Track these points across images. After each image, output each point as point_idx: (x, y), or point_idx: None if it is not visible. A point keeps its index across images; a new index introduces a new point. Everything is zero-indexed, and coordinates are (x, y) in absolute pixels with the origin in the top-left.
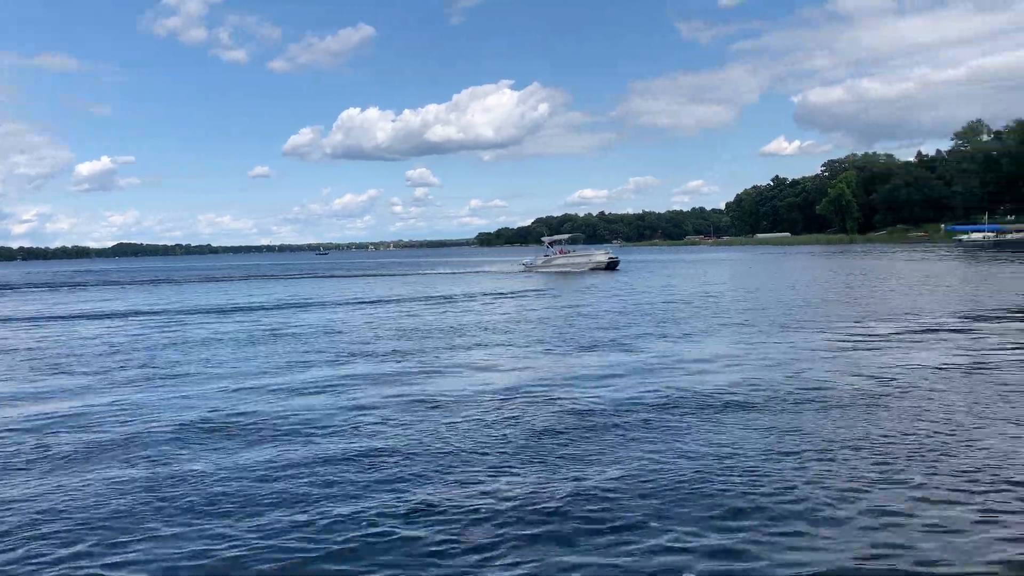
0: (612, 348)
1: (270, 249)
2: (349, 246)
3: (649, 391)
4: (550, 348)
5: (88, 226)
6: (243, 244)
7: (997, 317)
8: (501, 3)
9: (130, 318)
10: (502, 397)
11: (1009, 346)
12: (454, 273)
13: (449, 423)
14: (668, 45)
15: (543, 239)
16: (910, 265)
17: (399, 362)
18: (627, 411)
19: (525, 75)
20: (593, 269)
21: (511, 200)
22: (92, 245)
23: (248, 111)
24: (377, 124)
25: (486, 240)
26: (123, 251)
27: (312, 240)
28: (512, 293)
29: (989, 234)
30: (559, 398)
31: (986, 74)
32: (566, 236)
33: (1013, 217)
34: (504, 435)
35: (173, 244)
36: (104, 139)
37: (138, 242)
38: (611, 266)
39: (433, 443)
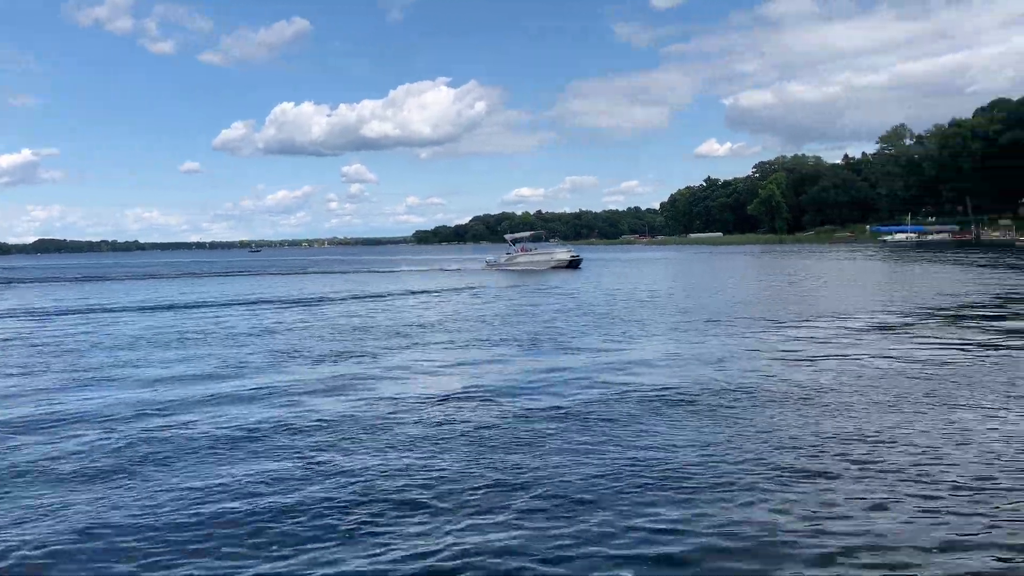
0: (554, 347)
1: (200, 246)
2: (283, 243)
3: (589, 389)
4: (497, 347)
5: (7, 221)
6: (172, 241)
7: (920, 316)
8: (439, 1)
9: (53, 317)
10: (441, 399)
11: (933, 344)
12: (420, 271)
13: (388, 426)
14: (604, 46)
15: (506, 236)
16: (838, 265)
17: (335, 363)
18: (566, 410)
19: (463, 73)
20: (555, 267)
21: (448, 198)
22: (12, 241)
23: (178, 104)
24: (312, 119)
25: (423, 238)
26: (45, 247)
27: (245, 237)
28: (468, 290)
29: (912, 235)
30: (499, 399)
31: (907, 80)
32: (528, 234)
33: (934, 219)
34: (442, 436)
35: (99, 240)
36: (25, 131)
37: (61, 238)
38: (573, 264)
39: (371, 447)
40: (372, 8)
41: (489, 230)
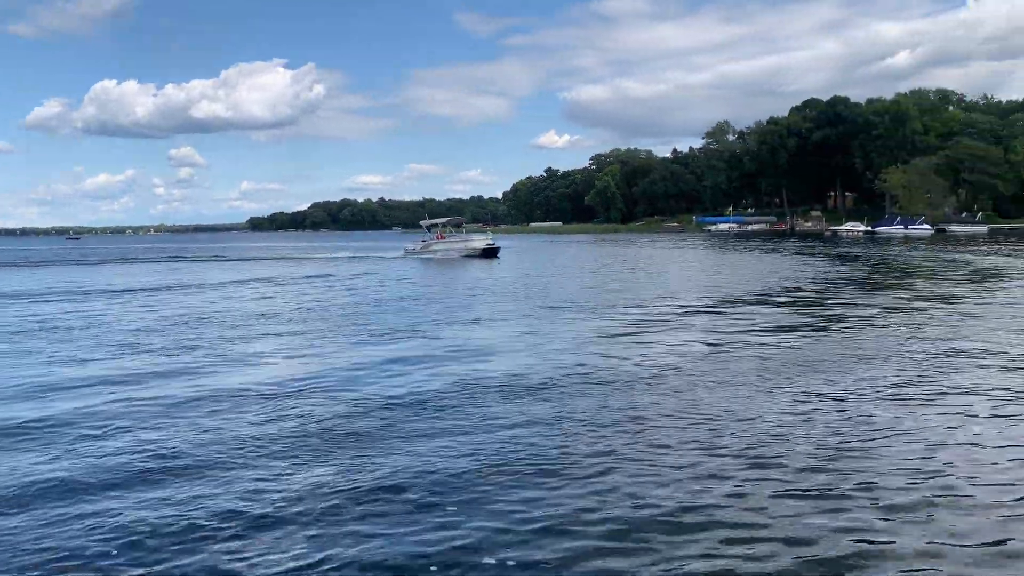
0: (408, 336)
1: (10, 233)
2: (104, 230)
3: (436, 378)
4: (349, 337)
5: None
6: None
7: (743, 300)
8: None
9: None
10: (286, 391)
11: (759, 327)
12: (328, 259)
13: (229, 420)
14: (448, 35)
15: (421, 223)
16: (667, 253)
17: (174, 356)
18: (416, 398)
19: (300, 55)
20: (468, 256)
21: (287, 183)
22: None
23: None
24: (136, 98)
25: (259, 224)
26: None
27: (61, 223)
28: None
29: (733, 225)
30: (348, 389)
31: (730, 79)
32: (443, 220)
33: (753, 210)
34: (285, 431)
35: None
36: None
37: None
38: (489, 253)
39: (210, 444)
40: None
41: (330, 217)
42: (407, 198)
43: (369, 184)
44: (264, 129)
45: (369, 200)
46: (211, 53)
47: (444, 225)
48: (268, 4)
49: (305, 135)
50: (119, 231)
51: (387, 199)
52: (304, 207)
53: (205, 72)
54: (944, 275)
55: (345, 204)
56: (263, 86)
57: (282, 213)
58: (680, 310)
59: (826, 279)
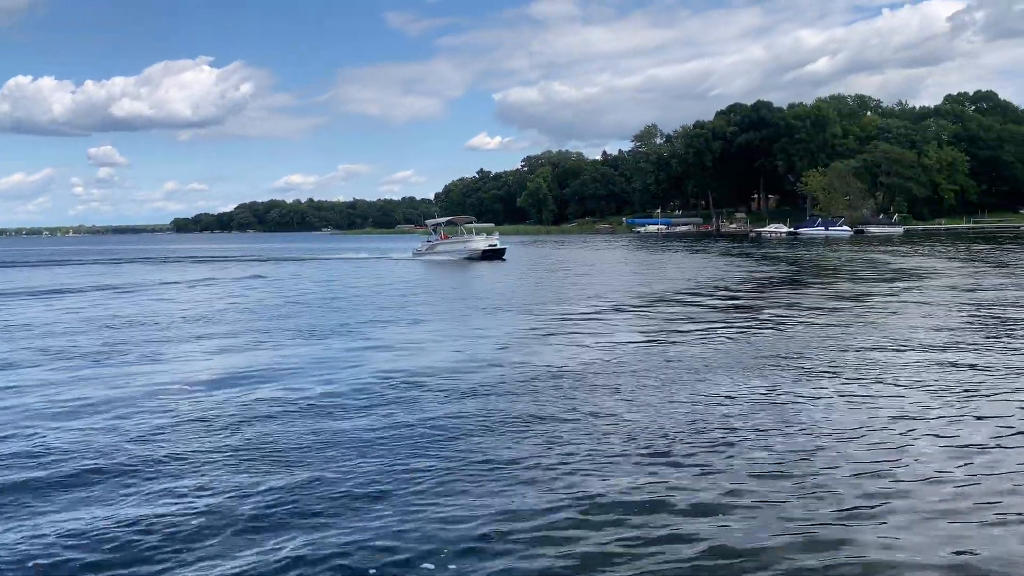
0: (338, 335)
1: None
2: (19, 231)
3: (362, 378)
4: (270, 337)
5: None
6: None
7: (671, 299)
8: None
9: None
10: (205, 392)
11: (686, 325)
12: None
13: (150, 424)
14: (378, 34)
15: (427, 222)
16: (599, 254)
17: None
18: (342, 399)
19: (226, 53)
20: (468, 259)
21: (212, 184)
22: None
23: None
24: (53, 95)
25: (183, 226)
26: None
27: None
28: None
29: (662, 227)
30: (268, 392)
31: (658, 83)
32: (444, 220)
33: (680, 212)
34: (204, 436)
35: None
36: None
37: None
38: (492, 255)
39: (127, 449)
40: None
41: (257, 218)
42: (339, 198)
43: (298, 184)
44: (189, 128)
45: (298, 201)
46: (133, 49)
47: (448, 224)
48: (194, 1)
49: (232, 134)
50: (35, 232)
51: (316, 200)
52: (230, 208)
53: (127, 69)
54: (864, 275)
55: (273, 205)
56: (188, 84)
57: (207, 214)
58: (616, 308)
59: (753, 279)
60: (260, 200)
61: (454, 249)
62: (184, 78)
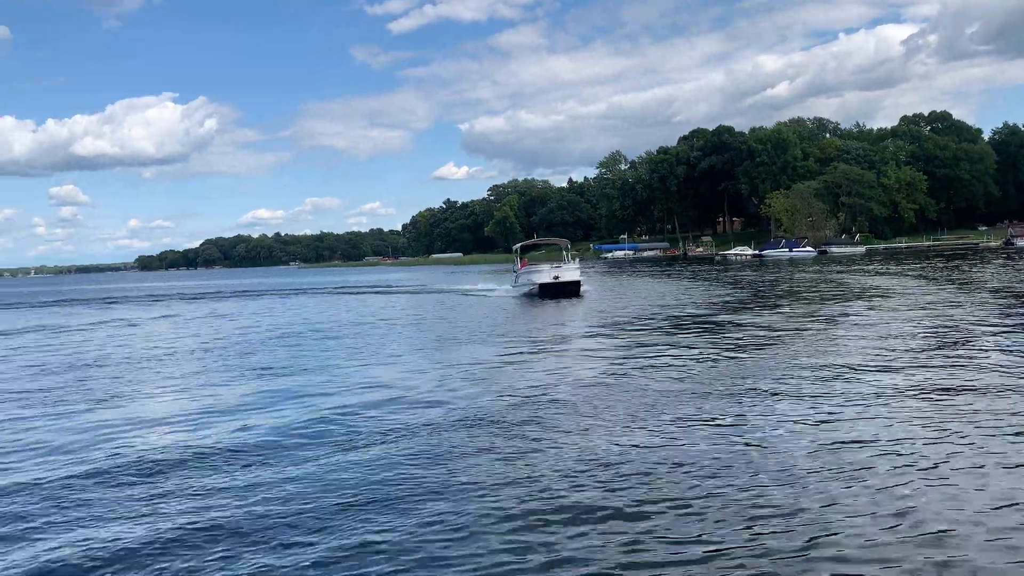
0: (292, 373)
1: None
2: None
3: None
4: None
5: None
6: None
7: (636, 326)
8: (163, 11)
9: None
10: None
11: (655, 352)
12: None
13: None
14: (342, 67)
15: (515, 247)
16: None
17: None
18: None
19: (190, 89)
20: (527, 294)
21: (177, 221)
22: None
23: None
24: (13, 135)
25: (148, 263)
26: None
27: None
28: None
29: (629, 252)
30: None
31: (622, 110)
32: (529, 242)
33: (647, 236)
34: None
35: None
36: None
37: None
38: (556, 292)
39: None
40: (86, 15)
41: (223, 254)
42: (306, 232)
43: (265, 219)
44: (153, 165)
45: (264, 235)
46: (96, 87)
47: (532, 249)
48: (157, 37)
49: (197, 171)
50: None
51: (283, 234)
52: (196, 244)
53: (89, 107)
54: (831, 295)
55: (239, 240)
56: (151, 121)
57: (172, 251)
58: (597, 334)
59: (722, 301)
60: (226, 236)
61: (522, 282)
62: (148, 115)
